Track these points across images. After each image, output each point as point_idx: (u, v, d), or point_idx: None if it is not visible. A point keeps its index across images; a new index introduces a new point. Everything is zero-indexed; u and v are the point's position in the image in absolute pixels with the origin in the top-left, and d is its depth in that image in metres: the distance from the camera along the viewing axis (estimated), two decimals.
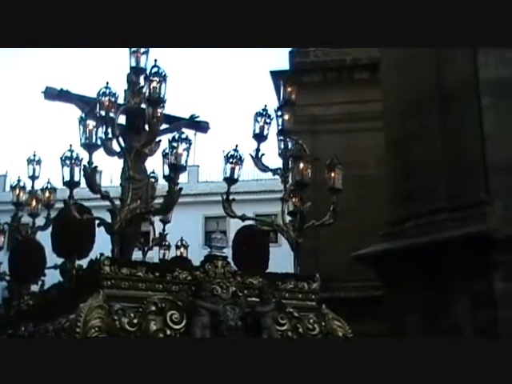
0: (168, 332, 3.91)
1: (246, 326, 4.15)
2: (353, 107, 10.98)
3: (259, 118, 5.04)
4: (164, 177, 4.78)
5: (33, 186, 6.83)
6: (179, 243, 7.39)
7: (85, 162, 4.44)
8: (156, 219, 6.47)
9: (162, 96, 4.38)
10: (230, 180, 4.84)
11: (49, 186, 6.75)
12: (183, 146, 4.19)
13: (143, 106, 4.92)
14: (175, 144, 4.19)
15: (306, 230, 4.76)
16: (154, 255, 7.15)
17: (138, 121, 5.13)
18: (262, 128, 5.00)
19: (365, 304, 8.62)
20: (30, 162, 6.88)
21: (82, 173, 4.22)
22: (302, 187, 4.72)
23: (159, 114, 4.39)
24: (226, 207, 4.81)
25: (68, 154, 4.51)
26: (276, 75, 11.48)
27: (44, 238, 6.49)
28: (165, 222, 6.96)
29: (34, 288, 5.77)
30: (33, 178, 6.85)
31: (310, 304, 4.61)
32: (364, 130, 10.66)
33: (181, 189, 4.19)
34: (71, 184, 4.41)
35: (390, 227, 7.84)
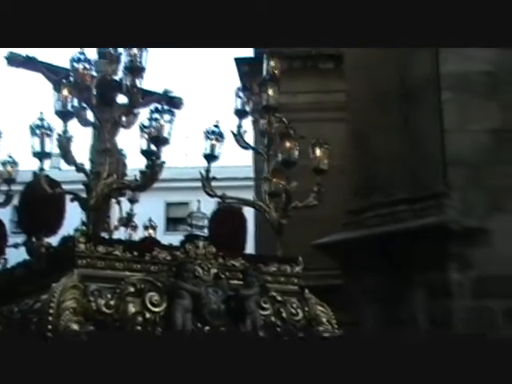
0: (147, 315, 3.65)
1: (228, 310, 3.94)
2: (318, 97, 10.94)
3: (241, 94, 4.80)
4: (142, 151, 4.51)
5: None
6: (147, 224, 7.11)
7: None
8: (123, 199, 6.19)
9: (142, 64, 4.09)
10: (211, 157, 4.60)
11: (10, 160, 6.39)
12: (166, 117, 3.92)
13: (117, 76, 4.62)
14: (157, 115, 3.92)
15: (290, 211, 4.56)
16: (120, 236, 6.87)
17: (110, 92, 4.83)
18: (243, 104, 4.77)
19: (324, 293, 8.59)
20: None
21: (57, 143, 3.89)
22: (289, 166, 4.51)
23: (138, 84, 4.09)
24: (205, 186, 4.56)
25: (38, 122, 4.19)
26: (240, 62, 11.29)
27: (3, 214, 6.12)
28: (132, 201, 6.67)
29: None
30: None
31: (293, 288, 4.42)
32: (329, 120, 10.62)
33: (163, 162, 3.92)
34: (42, 155, 4.08)
35: (350, 217, 8.01)
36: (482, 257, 6.97)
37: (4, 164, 6.33)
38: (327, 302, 7.64)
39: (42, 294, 3.67)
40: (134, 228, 7.00)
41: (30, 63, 5.52)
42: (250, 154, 11.06)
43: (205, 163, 4.53)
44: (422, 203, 7.27)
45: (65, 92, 3.96)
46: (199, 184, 4.56)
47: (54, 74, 5.48)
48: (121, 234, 6.78)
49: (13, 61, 5.56)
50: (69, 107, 3.97)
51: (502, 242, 6.98)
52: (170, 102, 5.73)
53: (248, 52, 11.72)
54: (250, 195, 6.47)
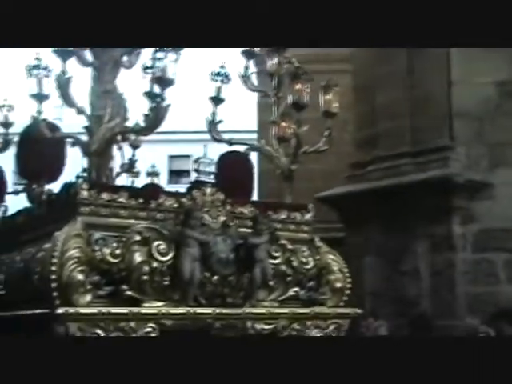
0: (154, 264, 3.52)
1: (237, 259, 3.81)
2: (321, 49, 10.68)
3: None
4: (145, 93, 4.28)
5: None
6: (150, 170, 6.93)
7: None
8: (124, 144, 5.99)
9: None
10: (217, 100, 4.38)
11: (6, 104, 6.15)
12: (171, 56, 3.68)
13: None
14: (162, 54, 3.69)
15: (300, 156, 4.37)
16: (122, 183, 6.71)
17: None
18: None
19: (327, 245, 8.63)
20: None
21: (56, 83, 3.67)
22: (300, 109, 4.29)
23: None
24: (211, 130, 4.35)
25: (35, 62, 3.95)
26: None
27: (2, 160, 5.94)
28: (135, 146, 6.49)
29: None
30: None
31: (303, 236, 4.28)
32: (333, 72, 10.37)
33: (169, 105, 3.70)
34: (40, 97, 3.87)
35: (353, 170, 8.02)
36: (484, 210, 7.01)
37: (0, 108, 6.11)
38: None
39: (45, 243, 3.53)
40: (137, 174, 6.83)
41: None
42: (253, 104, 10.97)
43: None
44: (426, 156, 7.33)
45: None
46: (203, 136, 4.35)
47: None
48: (123, 180, 6.64)
49: None
50: None
51: (505, 195, 7.01)
52: None
53: None
54: None
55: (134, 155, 6.51)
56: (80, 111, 3.69)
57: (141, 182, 6.89)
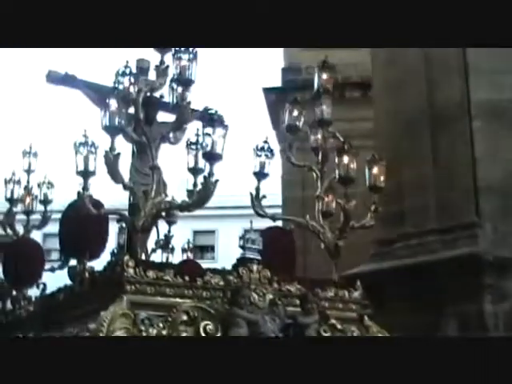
0: None
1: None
2: (343, 125, 10.88)
3: (291, 107, 4.55)
4: (189, 169, 4.28)
5: (28, 181, 6.25)
6: (185, 246, 6.84)
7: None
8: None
9: (192, 76, 3.86)
10: (261, 175, 4.33)
11: (46, 181, 6.20)
12: (219, 131, 3.67)
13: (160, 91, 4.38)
14: (210, 130, 3.68)
15: (347, 232, 4.26)
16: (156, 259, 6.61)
17: (151, 110, 4.62)
18: (295, 119, 4.52)
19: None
20: (25, 154, 6.30)
21: (104, 160, 3.65)
22: (347, 183, 4.22)
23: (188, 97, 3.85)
24: (255, 205, 4.28)
25: (82, 139, 3.96)
26: (269, 92, 11.47)
27: (38, 238, 5.94)
28: (171, 222, 6.43)
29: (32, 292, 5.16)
30: (28, 171, 6.27)
31: (352, 315, 4.12)
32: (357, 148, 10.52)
33: (217, 180, 3.65)
34: (86, 173, 3.84)
35: (379, 247, 7.86)
36: None
37: (40, 185, 6.13)
38: None
39: (89, 322, 3.42)
40: (172, 251, 6.74)
41: (70, 80, 5.37)
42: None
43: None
44: (453, 233, 7.13)
45: (113, 105, 3.73)
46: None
47: (93, 92, 5.32)
48: (158, 257, 6.56)
49: (52, 78, 5.41)
50: (116, 122, 3.73)
51: None
52: (211, 120, 5.53)
53: (276, 82, 11.86)
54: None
55: (169, 231, 6.45)
56: (127, 188, 3.66)
57: (176, 258, 6.81)
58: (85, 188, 3.85)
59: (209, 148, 3.60)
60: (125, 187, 3.67)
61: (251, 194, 4.33)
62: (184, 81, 3.83)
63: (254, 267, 3.82)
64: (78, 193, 3.82)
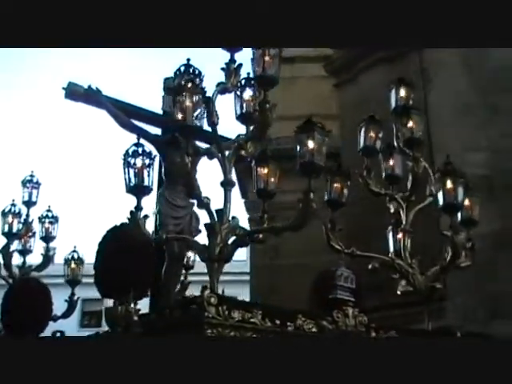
0: None
1: None
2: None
3: (368, 128, 3.91)
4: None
5: (28, 214, 5.33)
6: None
7: None
8: None
9: (275, 75, 3.19)
10: (336, 204, 3.63)
11: (48, 215, 5.29)
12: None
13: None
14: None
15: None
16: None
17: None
18: (374, 141, 3.88)
19: None
20: (25, 183, 5.42)
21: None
22: (453, 212, 3.53)
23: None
24: (331, 238, 3.55)
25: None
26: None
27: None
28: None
29: None
30: (28, 203, 5.37)
31: None
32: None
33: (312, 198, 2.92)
34: (141, 191, 3.08)
35: None
36: None
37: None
38: None
39: None
40: None
41: (93, 95, 4.62)
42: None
43: None
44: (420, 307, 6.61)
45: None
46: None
47: (122, 111, 4.58)
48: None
49: (72, 92, 4.65)
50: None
51: None
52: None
53: None
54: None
55: None
56: (203, 205, 2.89)
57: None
58: (138, 208, 3.08)
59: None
60: (199, 204, 2.91)
61: (325, 226, 3.60)
62: (267, 79, 3.14)
63: (350, 311, 3.08)
64: (131, 212, 3.04)
